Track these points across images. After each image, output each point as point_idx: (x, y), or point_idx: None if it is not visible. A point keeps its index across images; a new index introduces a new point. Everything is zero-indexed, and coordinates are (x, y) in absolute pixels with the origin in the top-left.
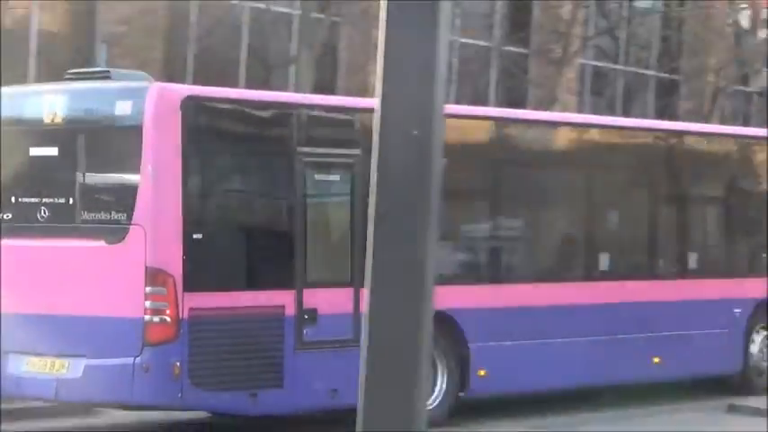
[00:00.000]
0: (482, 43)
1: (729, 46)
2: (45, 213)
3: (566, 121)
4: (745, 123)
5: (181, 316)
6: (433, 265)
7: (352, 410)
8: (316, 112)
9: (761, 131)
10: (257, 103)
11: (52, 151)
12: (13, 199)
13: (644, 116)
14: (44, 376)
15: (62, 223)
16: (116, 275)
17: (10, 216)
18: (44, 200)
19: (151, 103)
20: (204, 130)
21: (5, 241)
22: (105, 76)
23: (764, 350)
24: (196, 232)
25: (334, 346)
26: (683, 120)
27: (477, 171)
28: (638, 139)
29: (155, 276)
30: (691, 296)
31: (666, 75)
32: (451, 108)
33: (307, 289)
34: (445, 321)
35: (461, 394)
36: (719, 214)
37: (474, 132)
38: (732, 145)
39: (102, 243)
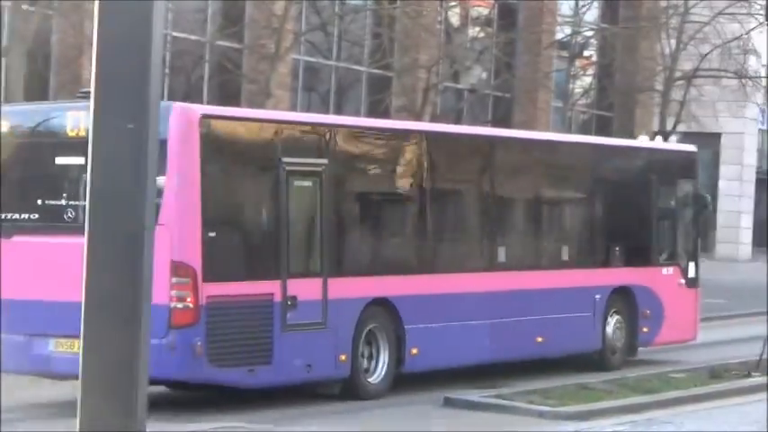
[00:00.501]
0: (195, 38)
1: (440, 43)
2: (71, 214)
3: (497, 135)
4: (457, 120)
5: (200, 303)
6: (151, 259)
7: (324, 382)
8: (292, 129)
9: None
10: (257, 119)
11: (79, 160)
12: (39, 201)
13: (357, 112)
14: (72, 355)
15: None
16: None
17: (36, 216)
18: (70, 202)
19: (175, 120)
20: (217, 143)
21: (33, 238)
22: None
23: (617, 331)
24: (211, 231)
25: (308, 327)
26: (395, 116)
27: (414, 182)
28: (534, 154)
29: (179, 269)
30: (563, 284)
31: (379, 71)
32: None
33: (289, 279)
34: (387, 306)
35: (399, 370)
36: (584, 214)
37: (406, 146)
38: (610, 158)
39: None
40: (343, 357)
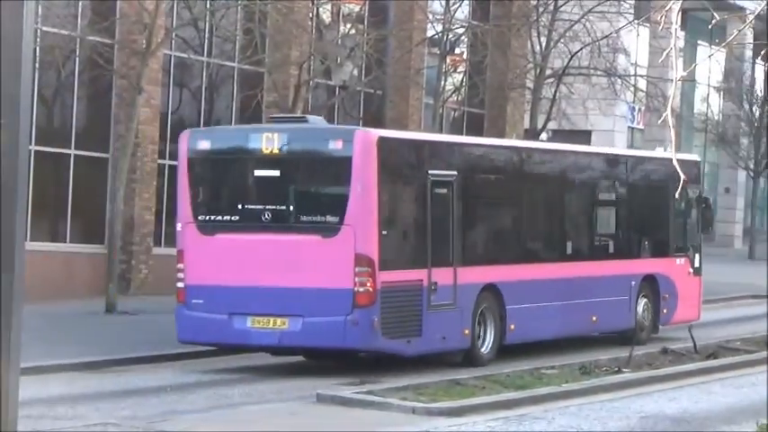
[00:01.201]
0: (65, 32)
1: (311, 40)
2: (267, 216)
3: (573, 150)
4: (329, 116)
5: (377, 287)
6: (22, 254)
7: (452, 352)
8: (434, 147)
9: (661, 154)
10: (414, 140)
11: (273, 173)
12: (239, 206)
13: (228, 108)
14: (267, 330)
15: (283, 223)
16: (330, 259)
17: (237, 218)
18: (267, 206)
19: (358, 141)
20: (388, 160)
21: (233, 235)
22: (303, 120)
23: (644, 312)
24: (384, 229)
25: (444, 307)
26: (266, 112)
27: (515, 191)
28: (591, 165)
29: (361, 260)
30: (612, 272)
31: (250, 67)
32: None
33: (432, 268)
34: (493, 290)
35: (501, 343)
36: (624, 214)
37: (511, 160)
38: (640, 167)
39: (317, 237)
40: (466, 332)
